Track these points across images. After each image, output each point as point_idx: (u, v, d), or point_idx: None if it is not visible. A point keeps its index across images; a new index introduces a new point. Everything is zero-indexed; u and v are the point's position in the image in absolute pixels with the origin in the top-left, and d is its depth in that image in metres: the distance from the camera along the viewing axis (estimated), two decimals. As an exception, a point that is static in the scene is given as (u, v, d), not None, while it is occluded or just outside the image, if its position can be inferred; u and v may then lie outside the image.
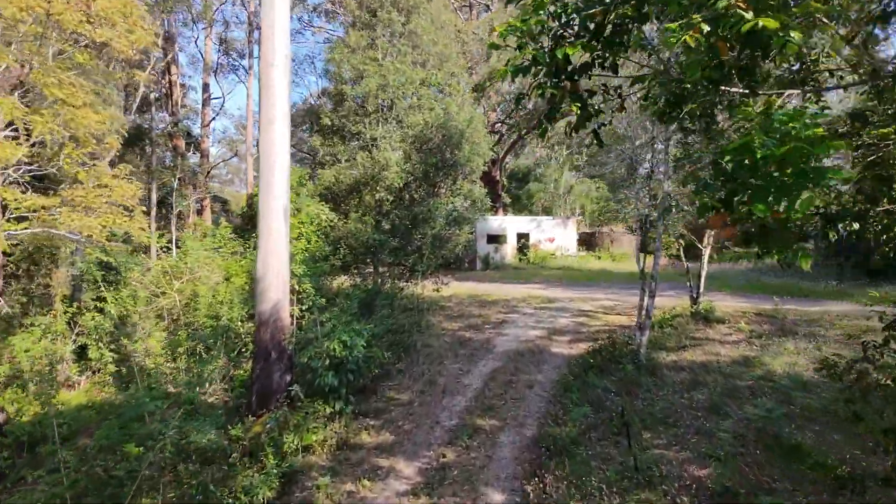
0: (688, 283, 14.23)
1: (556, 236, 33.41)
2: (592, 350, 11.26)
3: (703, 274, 13.71)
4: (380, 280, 15.85)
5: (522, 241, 32.74)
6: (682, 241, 14.00)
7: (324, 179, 16.27)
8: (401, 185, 15.88)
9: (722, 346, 11.09)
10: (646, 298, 10.91)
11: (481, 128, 17.11)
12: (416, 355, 12.24)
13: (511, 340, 13.03)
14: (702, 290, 13.67)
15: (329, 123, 16.16)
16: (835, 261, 22.14)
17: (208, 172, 41.00)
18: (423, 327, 14.47)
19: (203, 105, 39.75)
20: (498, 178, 36.33)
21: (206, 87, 39.14)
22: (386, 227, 16.28)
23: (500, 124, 34.54)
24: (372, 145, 15.67)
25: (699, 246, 13.75)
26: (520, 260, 32.36)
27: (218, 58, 38.08)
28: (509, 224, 32.78)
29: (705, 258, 13.73)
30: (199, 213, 38.83)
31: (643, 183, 11.04)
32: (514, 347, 12.39)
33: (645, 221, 11.05)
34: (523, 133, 36.83)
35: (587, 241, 35.16)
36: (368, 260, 16.26)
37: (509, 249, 32.51)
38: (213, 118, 42.00)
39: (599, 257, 33.44)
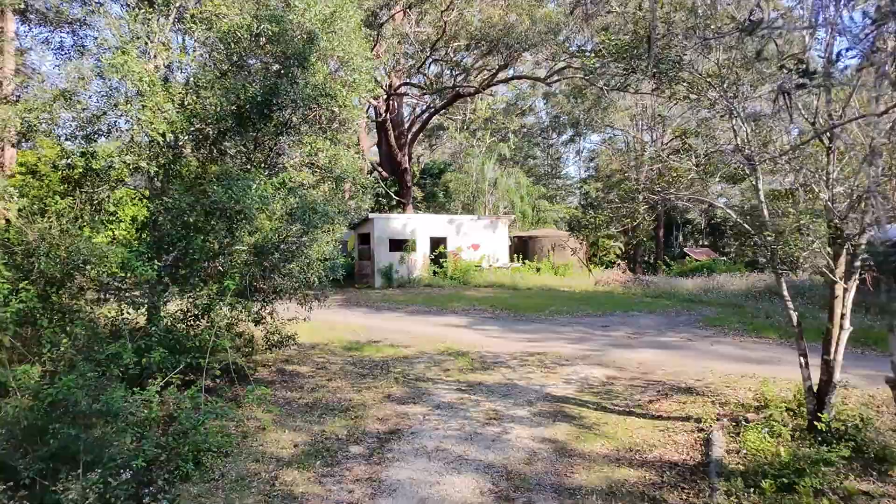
0: (798, 352, 7.01)
1: (482, 242, 26.03)
2: None
3: (843, 338, 6.29)
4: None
5: (438, 248, 25.12)
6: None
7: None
8: (178, 138, 7.70)
9: None
10: None
11: (356, 36, 9.07)
12: None
13: (401, 523, 5.24)
14: (837, 374, 6.28)
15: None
16: None
17: None
18: (214, 448, 6.46)
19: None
20: (406, 164, 28.57)
21: None
22: (165, 229, 8.06)
23: (405, 87, 26.70)
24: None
25: (829, 274, 6.37)
26: (434, 274, 24.69)
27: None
28: (420, 225, 25.06)
29: (848, 300, 6.29)
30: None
31: None
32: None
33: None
34: (439, 105, 29.21)
35: (521, 249, 28.07)
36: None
37: (420, 259, 24.77)
38: None
39: (538, 269, 26.39)
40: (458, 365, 10.06)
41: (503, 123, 43.30)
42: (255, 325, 9.55)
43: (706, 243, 41.75)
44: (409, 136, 29.24)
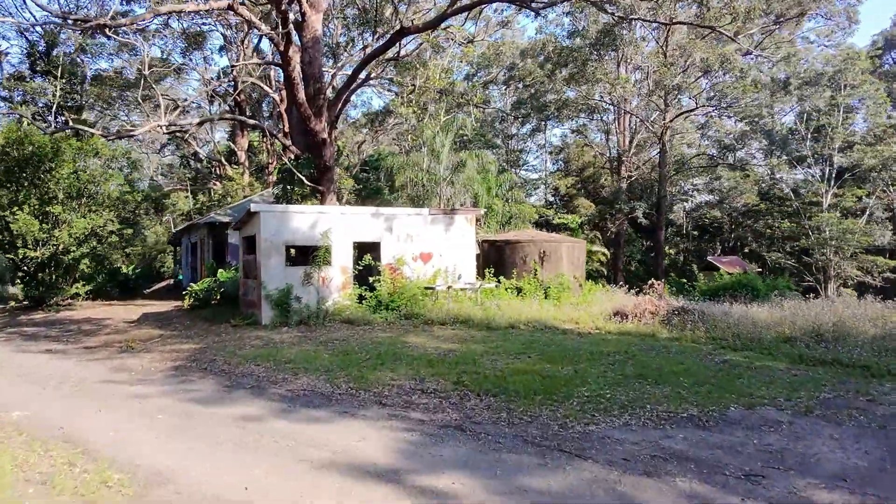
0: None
1: (434, 249, 17.58)
2: None
3: None
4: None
5: (367, 259, 16.51)
6: None
7: None
8: None
9: None
10: None
11: None
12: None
13: None
14: None
15: None
16: None
17: None
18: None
19: None
20: (324, 135, 19.80)
21: None
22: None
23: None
24: None
25: None
26: (360, 300, 16.12)
27: None
28: (337, 223, 16.30)
29: None
30: None
31: None
32: None
33: None
34: (376, 48, 20.69)
35: (494, 259, 19.66)
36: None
37: (337, 277, 16.12)
38: None
39: (520, 290, 18.07)
40: None
41: (462, 97, 34.98)
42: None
43: (691, 247, 34.61)
44: (333, 95, 20.56)
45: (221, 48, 42.75)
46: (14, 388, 9.91)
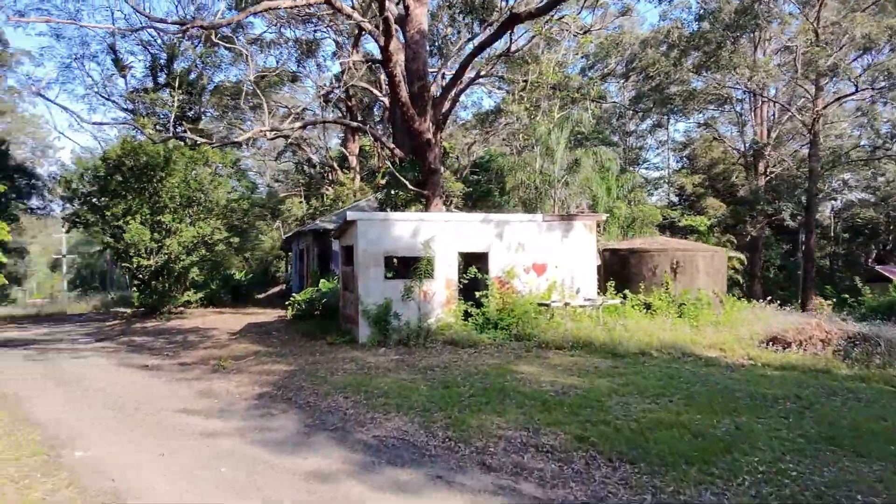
0: None
1: (549, 260, 15.71)
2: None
3: None
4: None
5: (473, 271, 14.93)
6: None
7: None
8: None
9: None
10: None
11: None
12: None
13: None
14: None
15: None
16: None
17: None
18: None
19: None
20: (429, 135, 18.54)
21: None
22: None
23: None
24: None
25: None
26: (466, 317, 14.61)
27: None
28: (440, 231, 14.84)
29: None
30: None
31: None
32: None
33: None
34: (486, 38, 19.27)
35: (616, 270, 17.41)
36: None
37: (440, 291, 14.68)
38: None
39: (649, 307, 15.76)
40: None
41: (578, 91, 32.68)
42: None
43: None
44: (438, 92, 19.30)
45: (333, 54, 43.20)
46: (94, 412, 9.34)
